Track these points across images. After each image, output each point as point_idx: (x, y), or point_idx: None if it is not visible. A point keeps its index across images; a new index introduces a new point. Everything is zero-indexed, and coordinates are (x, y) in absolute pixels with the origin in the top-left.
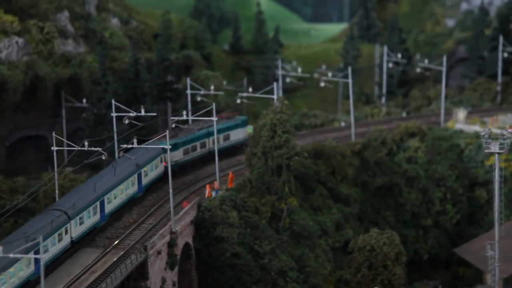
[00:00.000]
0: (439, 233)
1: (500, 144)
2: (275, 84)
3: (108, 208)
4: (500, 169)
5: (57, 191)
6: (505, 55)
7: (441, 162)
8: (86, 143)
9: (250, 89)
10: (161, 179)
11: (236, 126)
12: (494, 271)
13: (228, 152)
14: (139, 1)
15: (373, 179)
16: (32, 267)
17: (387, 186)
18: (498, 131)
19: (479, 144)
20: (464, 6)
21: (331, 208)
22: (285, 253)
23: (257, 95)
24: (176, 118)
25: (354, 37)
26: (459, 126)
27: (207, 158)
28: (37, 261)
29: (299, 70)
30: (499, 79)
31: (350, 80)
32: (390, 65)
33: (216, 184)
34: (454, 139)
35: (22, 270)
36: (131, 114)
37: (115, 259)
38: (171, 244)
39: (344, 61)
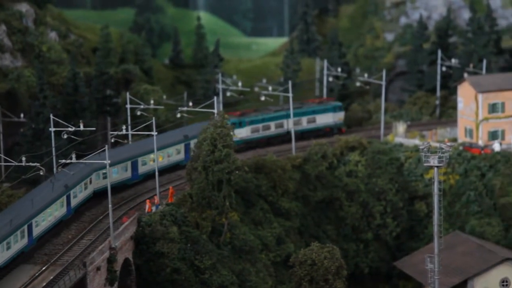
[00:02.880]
0: (379, 246)
1: (439, 157)
2: (215, 98)
3: (36, 231)
4: (439, 183)
5: None
6: (444, 69)
7: (381, 175)
8: (23, 158)
9: (190, 103)
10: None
11: (324, 111)
12: (434, 284)
13: (313, 134)
14: (77, 15)
15: (313, 193)
16: None
17: (328, 200)
18: (437, 144)
19: (419, 157)
20: (403, 20)
21: (272, 222)
22: (225, 268)
23: (197, 109)
24: (115, 132)
25: (294, 51)
26: (398, 139)
27: (285, 138)
28: None
29: (240, 84)
30: (438, 93)
31: (290, 94)
32: (330, 79)
33: (156, 199)
34: (394, 153)
35: None
36: (70, 129)
37: (53, 276)
38: (111, 260)
39: (285, 75)
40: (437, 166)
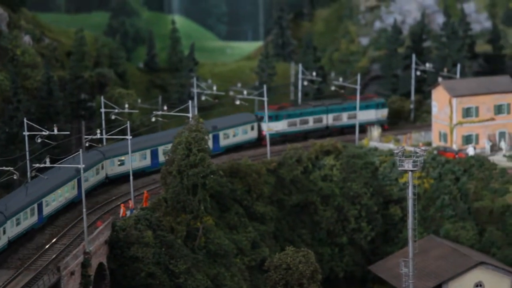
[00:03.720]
0: (354, 250)
1: (414, 161)
2: (190, 102)
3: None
4: (414, 187)
5: None
6: (418, 73)
7: (356, 180)
8: None
9: (165, 107)
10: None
11: (367, 107)
12: None
13: (354, 129)
14: (52, 18)
15: (288, 197)
16: None
17: (303, 204)
18: (412, 148)
19: (393, 161)
20: (377, 24)
21: (247, 226)
22: (200, 273)
23: (172, 113)
24: (90, 137)
25: (269, 55)
26: (373, 144)
27: (324, 133)
28: None
29: (214, 88)
30: (412, 97)
31: (265, 98)
32: (305, 83)
33: (131, 203)
34: (369, 157)
35: None
36: (44, 133)
37: (27, 280)
38: (85, 265)
39: (260, 79)
40: (411, 170)
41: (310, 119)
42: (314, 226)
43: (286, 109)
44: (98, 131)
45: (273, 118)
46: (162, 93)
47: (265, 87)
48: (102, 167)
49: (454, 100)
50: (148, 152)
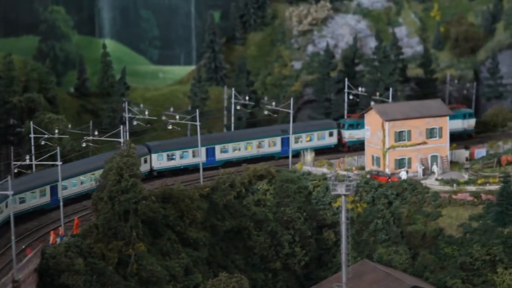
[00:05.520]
0: (288, 276)
1: (346, 185)
2: (121, 127)
3: None
4: (347, 211)
5: None
6: (351, 97)
7: (289, 204)
8: None
9: (96, 133)
10: None
11: (454, 117)
12: None
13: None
14: None
15: (222, 223)
16: None
17: (236, 229)
18: (345, 173)
19: (327, 186)
20: (310, 48)
21: (180, 252)
22: None
23: (103, 138)
24: (19, 163)
25: (201, 80)
26: (307, 168)
27: None
28: None
29: (146, 112)
30: None
31: (198, 123)
32: (238, 107)
33: (61, 230)
34: (302, 181)
35: None
36: None
37: None
38: None
39: (192, 103)
40: (344, 195)
41: None
42: (248, 252)
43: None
44: (27, 157)
45: (354, 126)
46: (93, 118)
47: (197, 111)
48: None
49: (386, 124)
50: (48, 188)
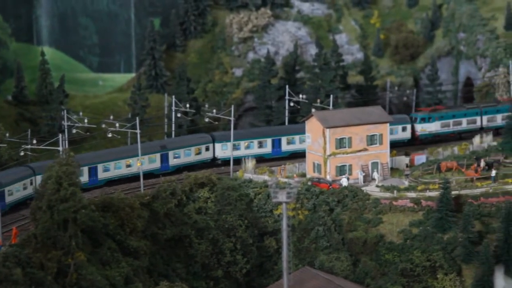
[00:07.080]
0: (229, 284)
1: (288, 193)
2: (60, 135)
3: None
4: (288, 218)
5: None
6: (292, 104)
7: (231, 212)
8: None
9: (35, 141)
10: None
11: (507, 111)
12: None
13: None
14: None
15: (162, 231)
16: None
17: (177, 237)
18: (286, 180)
19: (268, 193)
20: (251, 55)
21: (120, 261)
22: None
23: (42, 147)
24: None
25: (142, 87)
26: (248, 175)
27: (476, 132)
28: None
29: (86, 120)
30: None
31: (138, 131)
32: (179, 115)
33: None
34: (244, 189)
35: None
36: None
37: None
38: None
39: (132, 111)
40: (285, 202)
41: (464, 120)
42: (189, 260)
43: (440, 111)
44: None
45: (426, 119)
46: (31, 126)
47: (137, 119)
48: None
49: (327, 131)
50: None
